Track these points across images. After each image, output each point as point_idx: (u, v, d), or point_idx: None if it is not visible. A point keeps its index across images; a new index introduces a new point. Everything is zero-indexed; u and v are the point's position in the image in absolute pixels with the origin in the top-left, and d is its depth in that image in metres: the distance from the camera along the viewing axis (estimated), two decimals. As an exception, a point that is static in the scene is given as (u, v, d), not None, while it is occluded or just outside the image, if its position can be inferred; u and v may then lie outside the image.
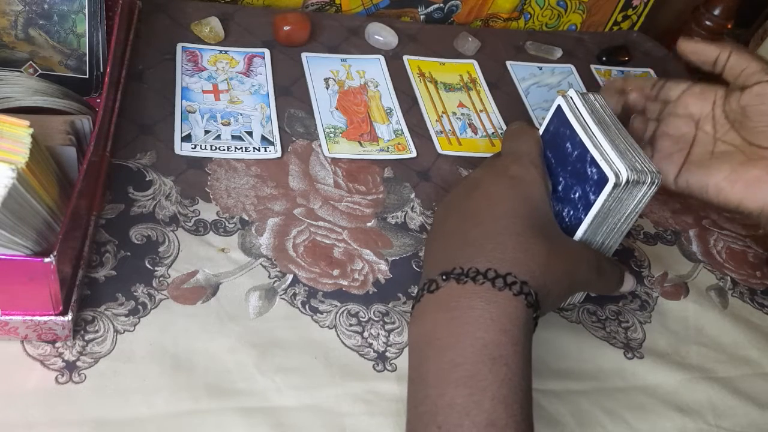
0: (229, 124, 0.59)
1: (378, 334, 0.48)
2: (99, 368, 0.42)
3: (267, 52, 0.67)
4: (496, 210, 0.44)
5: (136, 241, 0.49)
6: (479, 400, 0.36)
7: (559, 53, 0.79)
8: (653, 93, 0.57)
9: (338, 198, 0.56)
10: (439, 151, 0.63)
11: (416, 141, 0.63)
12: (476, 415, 0.36)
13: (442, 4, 0.79)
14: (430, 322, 0.40)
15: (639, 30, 0.88)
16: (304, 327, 0.47)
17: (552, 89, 0.74)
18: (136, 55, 0.62)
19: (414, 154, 0.62)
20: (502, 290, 0.39)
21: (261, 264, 0.50)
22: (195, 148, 0.56)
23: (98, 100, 0.51)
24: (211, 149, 0.57)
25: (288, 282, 0.50)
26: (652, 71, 0.81)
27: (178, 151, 0.56)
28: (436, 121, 0.66)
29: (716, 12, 0.81)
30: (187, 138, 0.57)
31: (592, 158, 0.43)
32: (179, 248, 0.49)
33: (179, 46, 0.65)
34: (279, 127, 0.60)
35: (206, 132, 0.58)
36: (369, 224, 0.55)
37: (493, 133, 0.67)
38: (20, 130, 0.37)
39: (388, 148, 0.62)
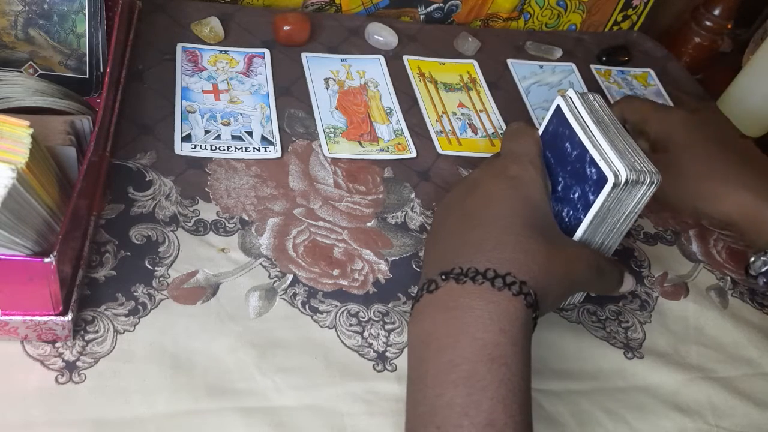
0: (229, 124, 0.59)
1: (378, 334, 0.48)
2: (99, 368, 0.42)
3: (267, 52, 0.67)
4: (496, 210, 0.44)
5: (136, 241, 0.49)
6: (478, 400, 0.36)
7: (559, 53, 0.78)
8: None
9: (338, 198, 0.56)
10: (439, 151, 0.63)
11: (416, 141, 0.63)
12: (475, 416, 0.36)
13: (441, 4, 0.79)
14: (429, 322, 0.40)
15: (639, 30, 0.88)
16: (304, 327, 0.47)
17: (552, 88, 0.74)
18: (136, 55, 0.62)
19: (414, 154, 0.62)
20: (501, 290, 0.39)
21: (261, 264, 0.50)
22: (195, 148, 0.56)
23: (98, 100, 0.51)
24: (211, 149, 0.57)
25: (288, 282, 0.50)
26: (651, 71, 0.81)
27: (178, 151, 0.56)
28: (436, 121, 0.66)
29: (716, 12, 0.81)
30: (187, 138, 0.57)
31: (592, 158, 0.43)
32: (179, 248, 0.49)
33: (179, 46, 0.65)
34: (279, 127, 0.60)
35: (206, 132, 0.58)
36: (369, 224, 0.55)
37: (493, 133, 0.67)
38: (20, 130, 0.37)
39: (388, 148, 0.62)
